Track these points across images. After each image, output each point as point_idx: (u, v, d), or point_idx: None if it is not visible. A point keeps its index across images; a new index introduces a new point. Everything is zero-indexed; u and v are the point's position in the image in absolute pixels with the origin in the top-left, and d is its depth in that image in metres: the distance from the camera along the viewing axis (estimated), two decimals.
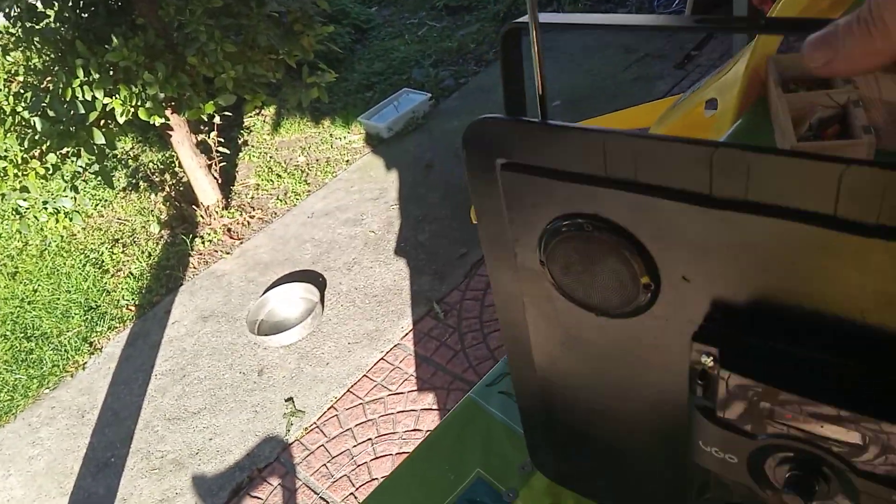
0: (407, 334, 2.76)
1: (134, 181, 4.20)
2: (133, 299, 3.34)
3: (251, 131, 4.48)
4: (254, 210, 3.74)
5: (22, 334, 3.28)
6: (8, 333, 3.30)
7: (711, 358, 0.35)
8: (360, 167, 3.89)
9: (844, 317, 0.32)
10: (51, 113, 2.79)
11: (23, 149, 2.89)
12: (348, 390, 2.60)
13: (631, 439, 0.51)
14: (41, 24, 2.92)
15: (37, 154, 2.93)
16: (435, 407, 2.46)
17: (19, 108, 2.90)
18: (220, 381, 2.78)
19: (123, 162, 4.36)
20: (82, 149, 2.93)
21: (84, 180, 3.22)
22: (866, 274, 0.30)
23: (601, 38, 4.27)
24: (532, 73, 0.42)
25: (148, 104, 2.88)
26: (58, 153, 2.95)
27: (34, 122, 2.80)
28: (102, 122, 2.94)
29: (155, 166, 4.29)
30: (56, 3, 2.96)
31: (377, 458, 2.35)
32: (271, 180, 3.95)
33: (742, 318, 0.36)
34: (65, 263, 3.68)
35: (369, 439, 2.42)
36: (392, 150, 3.94)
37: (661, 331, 0.40)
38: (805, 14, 0.89)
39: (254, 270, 3.32)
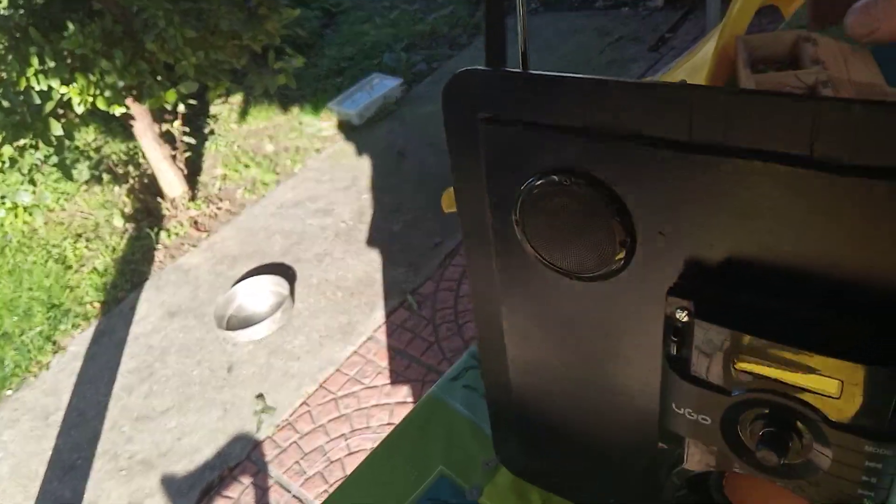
0: (380, 327, 2.71)
1: (97, 173, 4.07)
2: (97, 296, 3.24)
3: (217, 120, 4.36)
4: (221, 201, 3.65)
5: None
6: None
7: (686, 312, 0.35)
8: (331, 155, 3.81)
9: (822, 263, 0.32)
10: (4, 103, 2.68)
11: None
12: (321, 385, 2.55)
13: (603, 429, 0.50)
14: None
15: None
16: (409, 400, 2.42)
17: None
18: (189, 379, 2.71)
19: (85, 154, 4.23)
20: (39, 140, 2.82)
21: (43, 173, 3.10)
22: (842, 216, 0.30)
23: (575, 21, 4.22)
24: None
25: (106, 93, 2.78)
26: (14, 145, 2.83)
27: None
28: (61, 112, 2.84)
29: (118, 158, 4.16)
30: None
31: (351, 453, 2.30)
32: (239, 170, 3.85)
33: (718, 271, 0.35)
34: (26, 260, 3.57)
35: (343, 435, 2.37)
36: (363, 138, 3.86)
37: (637, 294, 0.39)
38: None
39: (222, 264, 3.23)
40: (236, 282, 3.05)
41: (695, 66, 1.03)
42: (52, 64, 2.65)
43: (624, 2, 4.30)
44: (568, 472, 0.57)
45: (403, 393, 2.45)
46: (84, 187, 4.00)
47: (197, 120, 4.27)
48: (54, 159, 2.95)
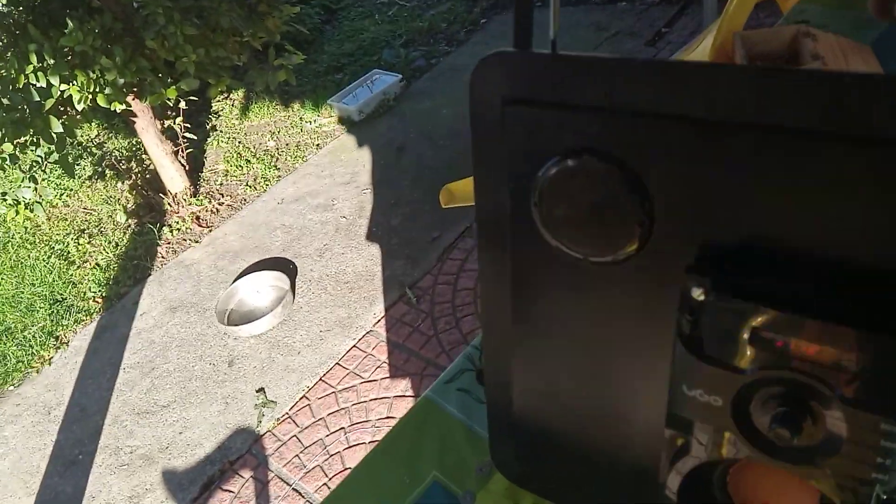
0: (379, 321, 2.72)
1: (99, 169, 4.09)
2: (100, 291, 3.26)
3: (219, 116, 4.38)
4: (223, 197, 3.66)
5: None
6: None
7: (703, 290, 0.35)
8: (331, 151, 3.82)
9: (842, 236, 0.32)
10: (4, 101, 2.69)
11: None
12: (320, 379, 2.56)
13: (603, 434, 0.50)
14: None
15: None
16: (408, 394, 2.43)
17: None
18: (190, 373, 2.73)
19: (88, 150, 4.25)
20: (40, 137, 2.84)
21: (44, 169, 3.12)
22: (861, 188, 0.31)
23: (572, 16, 4.22)
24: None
25: (107, 90, 2.79)
26: (14, 143, 2.85)
27: None
28: (62, 109, 2.85)
29: (121, 154, 4.18)
30: None
31: (350, 447, 2.32)
32: (240, 166, 3.87)
33: (734, 250, 0.36)
34: (29, 255, 3.59)
35: (342, 428, 2.38)
36: (363, 133, 3.87)
37: (650, 280, 0.40)
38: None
39: (223, 259, 3.25)
40: (237, 277, 3.06)
41: None
42: (51, 61, 2.66)
43: None
44: (564, 478, 0.57)
45: (402, 387, 2.46)
46: (87, 183, 4.02)
47: (198, 116, 4.28)
48: (55, 156, 2.97)
